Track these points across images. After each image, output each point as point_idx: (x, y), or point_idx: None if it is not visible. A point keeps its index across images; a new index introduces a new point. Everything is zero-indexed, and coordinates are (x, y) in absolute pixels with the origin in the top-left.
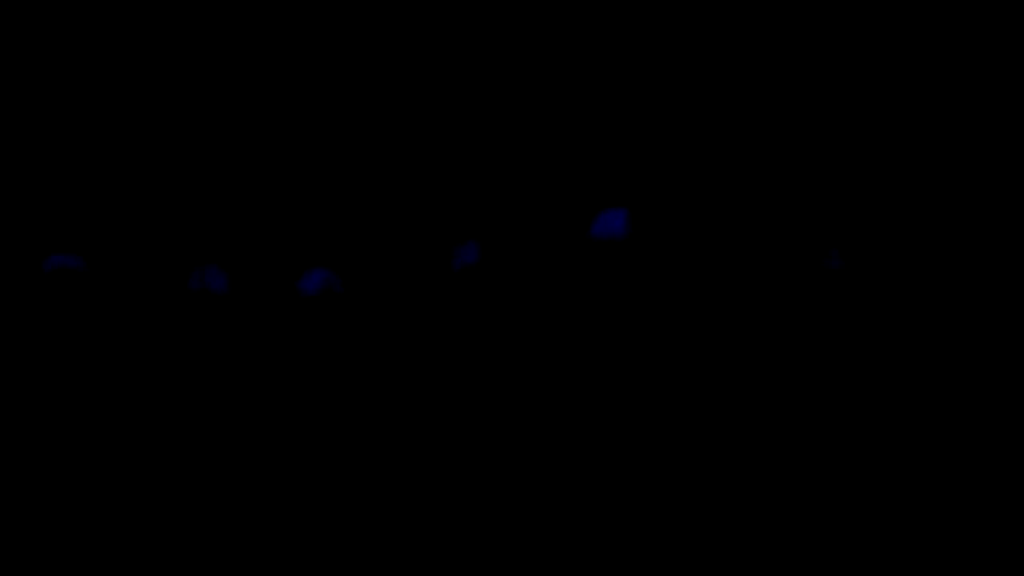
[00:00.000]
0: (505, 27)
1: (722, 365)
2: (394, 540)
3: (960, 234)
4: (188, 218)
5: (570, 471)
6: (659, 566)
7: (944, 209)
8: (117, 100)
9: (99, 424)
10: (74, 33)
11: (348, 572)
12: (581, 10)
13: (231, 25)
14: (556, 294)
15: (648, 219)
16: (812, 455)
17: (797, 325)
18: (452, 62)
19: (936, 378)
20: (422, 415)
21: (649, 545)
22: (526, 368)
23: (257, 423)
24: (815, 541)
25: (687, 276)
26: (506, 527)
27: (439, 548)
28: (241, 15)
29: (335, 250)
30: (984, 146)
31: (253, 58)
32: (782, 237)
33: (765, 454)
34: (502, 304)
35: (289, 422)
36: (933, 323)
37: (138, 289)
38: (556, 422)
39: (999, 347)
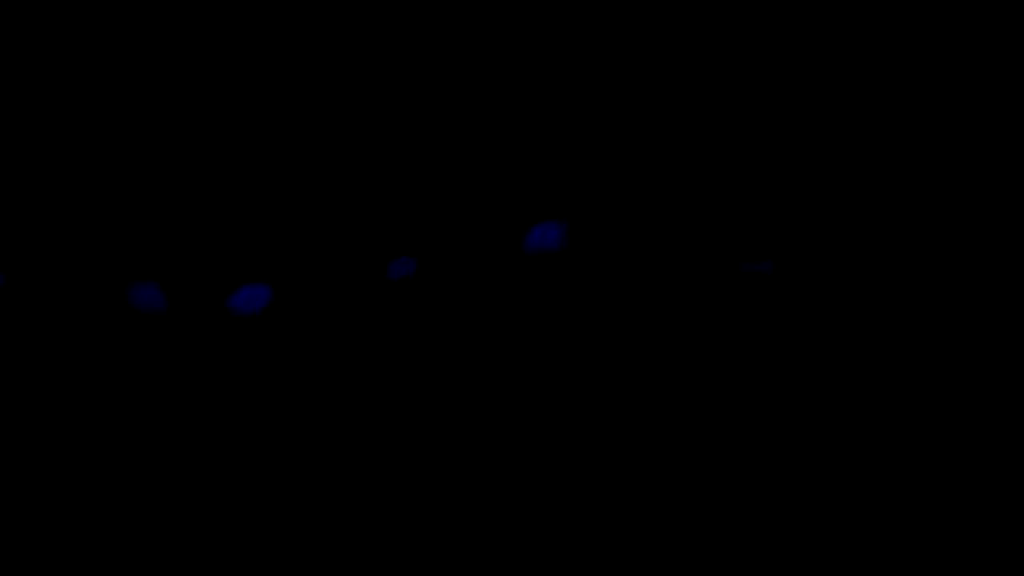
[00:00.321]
0: (438, 40)
1: (661, 373)
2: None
3: (896, 240)
4: (121, 231)
5: (508, 483)
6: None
7: (879, 215)
8: (42, 105)
9: (30, 449)
10: None
11: None
12: (508, 24)
13: (151, 25)
14: (492, 308)
15: (583, 231)
16: (753, 463)
17: (732, 331)
18: (383, 75)
19: (875, 382)
20: (364, 430)
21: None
22: (467, 381)
23: (198, 443)
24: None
25: (623, 287)
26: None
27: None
28: (159, 19)
29: (269, 265)
30: (922, 151)
31: (183, 64)
32: (715, 244)
33: (705, 465)
34: (439, 318)
35: (230, 441)
36: (867, 329)
37: (67, 306)
38: (494, 430)
39: (937, 350)
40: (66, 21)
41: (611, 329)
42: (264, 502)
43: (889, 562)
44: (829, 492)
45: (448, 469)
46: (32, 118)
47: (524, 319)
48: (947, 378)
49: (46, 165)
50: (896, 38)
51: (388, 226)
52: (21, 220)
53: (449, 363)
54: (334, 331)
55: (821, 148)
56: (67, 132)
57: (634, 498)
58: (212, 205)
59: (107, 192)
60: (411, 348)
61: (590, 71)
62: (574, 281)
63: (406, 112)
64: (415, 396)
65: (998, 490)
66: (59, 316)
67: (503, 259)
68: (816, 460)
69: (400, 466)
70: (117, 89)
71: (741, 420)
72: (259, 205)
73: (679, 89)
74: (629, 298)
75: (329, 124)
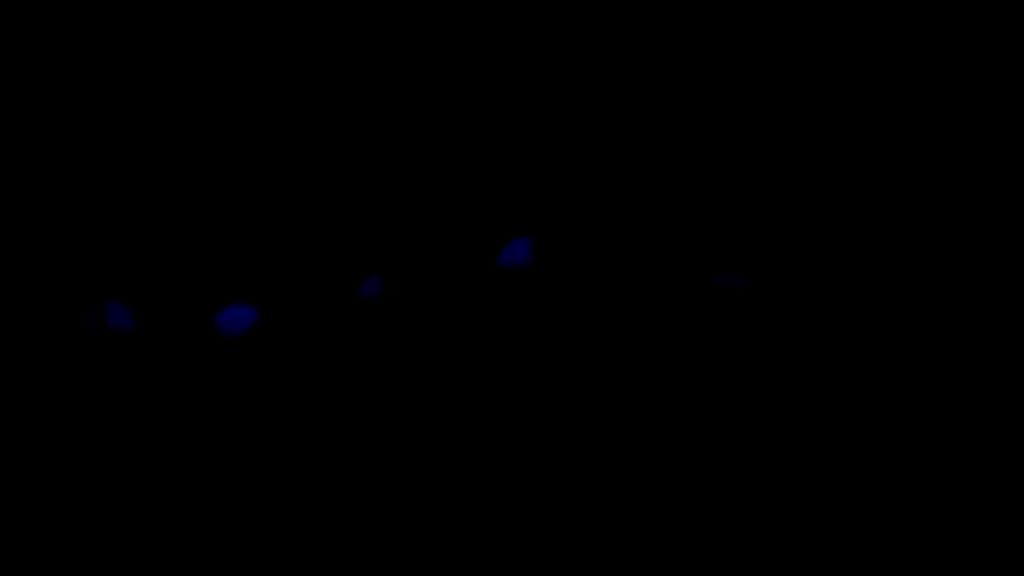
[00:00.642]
0: (407, 64)
1: (632, 386)
2: None
3: (865, 253)
4: (87, 248)
5: (487, 497)
6: None
7: (848, 229)
8: (14, 121)
9: None
10: None
11: None
12: (475, 41)
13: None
14: (467, 323)
15: (556, 247)
16: (724, 477)
17: (701, 345)
18: (360, 100)
19: (845, 394)
20: (344, 450)
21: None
22: (445, 398)
23: (169, 475)
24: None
25: (595, 301)
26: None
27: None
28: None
29: (245, 283)
30: (889, 168)
31: (160, 82)
32: (684, 257)
33: (675, 482)
34: (415, 335)
35: (203, 467)
36: (837, 341)
37: (32, 327)
38: (467, 447)
39: (904, 363)
40: (34, 43)
41: (584, 343)
42: (243, 528)
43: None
44: (798, 506)
45: (430, 487)
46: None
47: (498, 334)
48: (915, 390)
49: (20, 180)
50: (860, 60)
51: (362, 247)
52: None
53: (426, 380)
54: (310, 351)
55: (789, 163)
56: (39, 145)
57: (604, 517)
58: (183, 223)
59: (82, 209)
60: (389, 366)
61: (559, 90)
62: (548, 296)
63: (380, 134)
64: (392, 416)
65: (955, 504)
66: (26, 336)
67: (477, 276)
68: (787, 473)
69: (383, 486)
70: (93, 106)
71: (711, 432)
72: (230, 226)
73: (648, 107)
74: (602, 312)
75: (302, 145)
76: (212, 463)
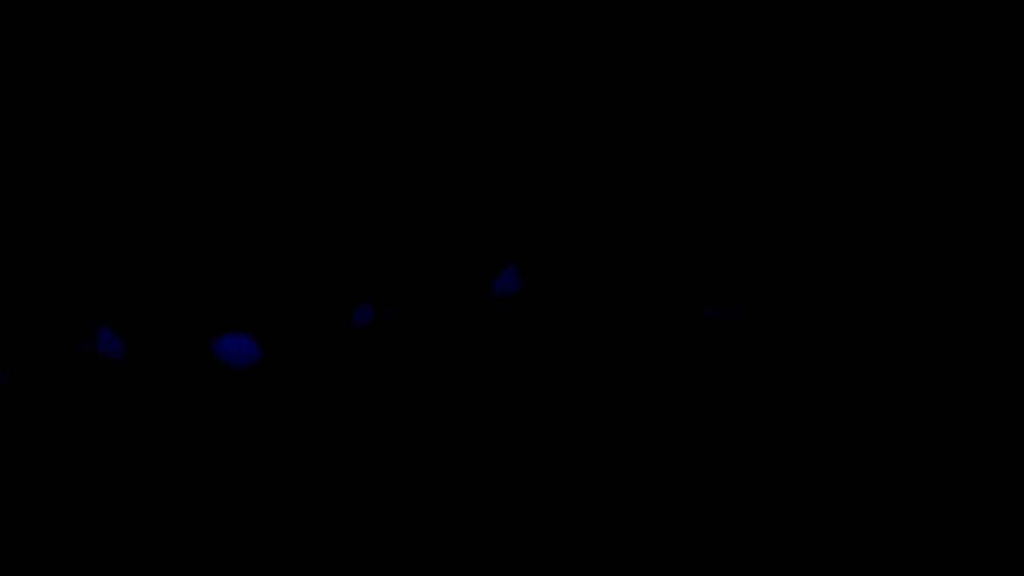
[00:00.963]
0: (403, 94)
1: (624, 415)
2: None
3: (857, 282)
4: (76, 272)
5: (463, 535)
6: None
7: (842, 258)
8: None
9: None
10: None
11: None
12: (467, 73)
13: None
14: (465, 350)
15: (553, 277)
16: (715, 506)
17: (691, 372)
18: (350, 120)
19: (838, 420)
20: (332, 484)
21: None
22: (438, 426)
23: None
24: None
25: (590, 330)
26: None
27: None
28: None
29: (237, 309)
30: (878, 200)
31: (153, 104)
32: (674, 283)
33: (664, 513)
34: (414, 362)
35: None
36: (828, 368)
37: (20, 354)
38: (464, 475)
39: (892, 391)
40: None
41: (576, 371)
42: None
43: None
44: (795, 537)
45: (427, 516)
46: None
47: (492, 361)
48: (903, 419)
49: (12, 202)
50: (856, 82)
51: (356, 274)
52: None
53: (420, 408)
54: (303, 379)
55: (782, 192)
56: (31, 166)
57: (592, 551)
58: (173, 248)
59: (73, 237)
60: (383, 392)
61: (552, 120)
62: (542, 325)
63: (372, 160)
64: (385, 447)
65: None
66: (14, 364)
67: (472, 304)
68: (780, 502)
69: (381, 514)
70: (85, 125)
71: (698, 458)
72: (222, 251)
73: (643, 139)
74: (596, 341)
75: (295, 169)
76: (198, 498)
